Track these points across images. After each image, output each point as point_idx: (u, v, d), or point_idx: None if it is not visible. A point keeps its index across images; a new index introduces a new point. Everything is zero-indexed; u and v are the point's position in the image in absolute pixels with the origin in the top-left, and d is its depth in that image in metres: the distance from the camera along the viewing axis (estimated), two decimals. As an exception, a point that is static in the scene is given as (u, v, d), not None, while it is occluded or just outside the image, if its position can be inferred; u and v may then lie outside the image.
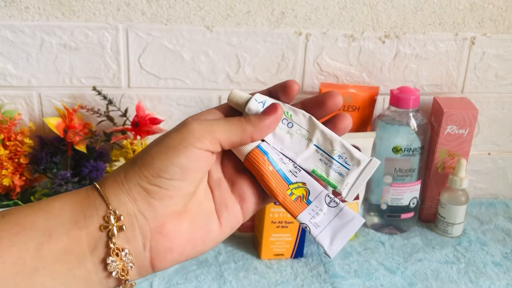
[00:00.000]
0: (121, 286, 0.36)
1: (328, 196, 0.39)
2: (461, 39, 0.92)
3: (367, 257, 0.85)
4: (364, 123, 0.91)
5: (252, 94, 0.40)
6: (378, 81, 0.93)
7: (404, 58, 0.92)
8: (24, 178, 0.82)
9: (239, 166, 0.40)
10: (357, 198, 0.88)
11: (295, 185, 0.39)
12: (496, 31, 0.92)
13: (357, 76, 0.92)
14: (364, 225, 0.93)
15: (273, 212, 0.81)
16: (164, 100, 0.90)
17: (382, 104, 0.94)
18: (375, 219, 0.92)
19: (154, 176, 0.35)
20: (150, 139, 0.90)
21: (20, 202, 0.82)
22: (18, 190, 0.81)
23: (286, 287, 0.77)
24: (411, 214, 0.91)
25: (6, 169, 0.79)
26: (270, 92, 0.41)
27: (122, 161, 0.84)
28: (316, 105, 0.40)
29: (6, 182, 0.79)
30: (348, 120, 0.40)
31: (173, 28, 0.86)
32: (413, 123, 0.86)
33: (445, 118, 0.88)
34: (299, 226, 0.82)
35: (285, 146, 0.40)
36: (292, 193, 0.39)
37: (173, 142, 0.36)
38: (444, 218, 0.90)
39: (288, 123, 0.40)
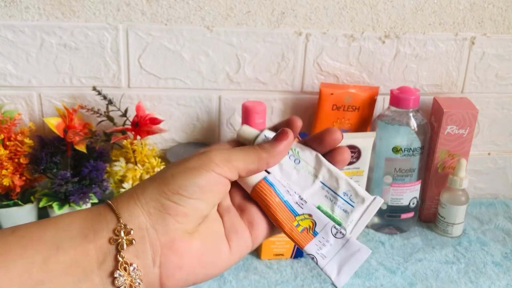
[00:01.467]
0: None
1: (334, 227, 0.40)
2: (461, 39, 0.92)
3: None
4: (364, 123, 0.91)
5: (261, 130, 0.42)
6: (378, 81, 0.93)
7: (404, 58, 0.92)
8: (24, 178, 0.82)
9: (247, 195, 0.41)
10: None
11: (302, 217, 0.40)
12: (496, 31, 0.92)
13: (357, 76, 0.92)
14: (364, 225, 0.93)
15: (273, 212, 0.81)
16: (164, 100, 0.90)
17: (382, 104, 0.94)
18: (375, 219, 0.92)
19: (173, 193, 0.36)
20: (150, 139, 0.90)
21: (20, 202, 0.82)
22: (18, 190, 0.81)
23: (286, 287, 0.77)
24: (411, 214, 0.91)
25: (6, 169, 0.79)
26: (276, 129, 0.42)
27: (122, 161, 0.84)
28: (316, 142, 0.42)
29: (6, 182, 0.79)
30: (346, 154, 0.41)
31: (173, 28, 0.86)
32: (413, 123, 0.86)
33: (445, 118, 0.88)
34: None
35: (292, 181, 0.41)
36: (298, 225, 0.40)
37: (194, 165, 0.37)
38: (444, 218, 0.90)
39: (295, 160, 0.42)
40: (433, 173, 0.92)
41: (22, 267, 0.32)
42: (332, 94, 0.88)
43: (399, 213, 0.91)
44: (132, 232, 0.35)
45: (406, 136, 0.86)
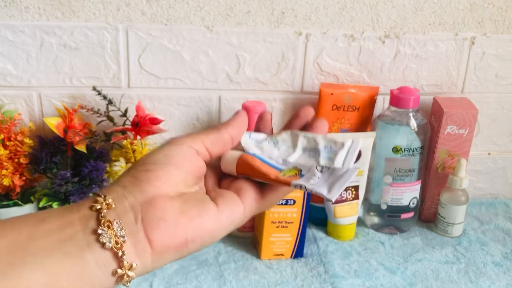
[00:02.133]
0: (120, 270, 0.35)
1: (320, 166, 0.40)
2: (461, 39, 0.92)
3: (367, 257, 0.85)
4: (364, 123, 0.91)
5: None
6: (378, 81, 0.93)
7: (404, 58, 0.92)
8: (24, 178, 0.82)
9: (235, 179, 0.42)
10: (357, 198, 0.88)
11: (287, 170, 0.41)
12: (496, 31, 0.92)
13: (357, 76, 0.92)
14: (364, 225, 0.93)
15: (273, 212, 0.81)
16: (164, 100, 0.90)
17: (382, 104, 0.94)
18: (375, 219, 0.92)
19: (142, 165, 0.39)
20: (150, 139, 0.90)
21: (20, 202, 0.82)
22: (18, 190, 0.81)
23: (286, 287, 0.77)
24: (411, 214, 0.91)
25: (6, 169, 0.79)
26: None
27: (122, 161, 0.84)
28: (292, 121, 0.45)
29: (6, 182, 0.79)
30: (324, 123, 0.44)
31: (173, 28, 0.86)
32: (413, 123, 0.86)
33: (445, 118, 0.88)
34: (299, 226, 0.82)
35: (274, 156, 0.43)
36: (284, 174, 0.40)
37: (158, 147, 0.41)
38: (444, 218, 0.90)
39: (273, 142, 0.44)
40: (433, 173, 0.92)
41: (10, 238, 0.33)
42: (332, 94, 0.88)
43: (399, 213, 0.91)
44: (110, 199, 0.37)
45: (406, 136, 0.86)
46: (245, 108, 0.84)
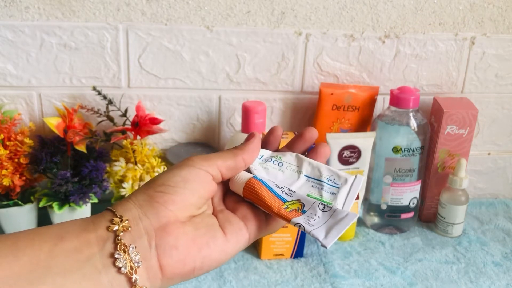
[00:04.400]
0: None
1: (322, 204, 0.41)
2: (461, 39, 0.92)
3: (367, 257, 0.85)
4: (364, 123, 0.91)
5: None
6: (378, 81, 0.93)
7: (404, 58, 0.92)
8: (24, 178, 0.82)
9: (240, 200, 0.44)
10: (357, 198, 0.88)
11: (291, 202, 0.42)
12: (496, 31, 0.92)
13: (357, 76, 0.92)
14: (364, 225, 0.93)
15: (273, 212, 0.81)
16: (164, 100, 0.90)
17: (382, 104, 0.94)
18: (375, 219, 0.92)
19: (159, 185, 0.40)
20: (150, 139, 0.90)
21: (20, 202, 0.82)
22: (18, 190, 0.81)
23: (286, 287, 0.77)
24: (411, 214, 0.91)
25: (6, 169, 0.79)
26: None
27: (122, 161, 0.84)
28: (297, 141, 0.47)
29: (6, 182, 0.79)
30: (327, 148, 0.46)
31: (173, 28, 0.86)
32: (413, 123, 0.86)
33: (445, 118, 0.88)
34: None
35: (279, 181, 0.44)
36: (287, 207, 0.41)
37: (176, 165, 0.42)
38: (444, 218, 0.90)
39: (278, 163, 0.45)
40: (433, 173, 0.92)
41: (30, 254, 0.34)
42: (332, 94, 0.88)
43: (399, 213, 0.91)
44: (127, 221, 0.38)
45: (406, 136, 0.86)
46: (245, 108, 0.84)
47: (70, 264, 0.35)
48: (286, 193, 0.43)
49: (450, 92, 0.95)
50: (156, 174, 0.83)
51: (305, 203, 0.41)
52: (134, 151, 0.83)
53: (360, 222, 0.93)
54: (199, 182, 0.40)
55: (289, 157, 0.46)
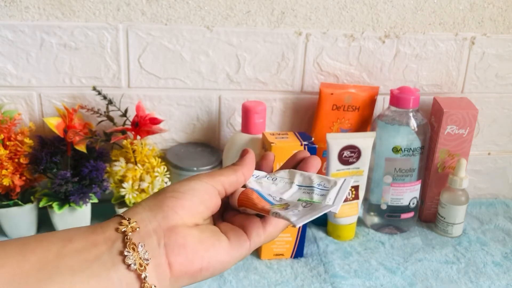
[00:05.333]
0: None
1: (305, 202, 0.43)
2: (461, 39, 0.92)
3: (367, 257, 0.85)
4: (364, 123, 0.91)
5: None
6: (378, 81, 0.93)
7: (404, 58, 0.92)
8: (24, 178, 0.82)
9: (237, 213, 0.46)
10: (357, 198, 0.88)
11: (277, 204, 0.43)
12: (496, 31, 0.92)
13: (357, 76, 0.92)
14: (364, 225, 0.93)
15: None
16: (164, 100, 0.90)
17: (382, 104, 0.94)
18: (375, 219, 0.92)
19: (169, 191, 0.42)
20: (150, 139, 0.90)
21: (20, 202, 0.82)
22: (18, 190, 0.81)
23: (286, 287, 0.77)
24: (411, 214, 0.91)
25: (6, 169, 0.79)
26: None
27: (122, 161, 0.84)
28: (289, 160, 0.49)
29: (6, 182, 0.79)
30: (317, 160, 0.48)
31: (173, 28, 0.86)
32: (413, 123, 0.86)
33: (445, 118, 0.88)
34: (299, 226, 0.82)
35: (272, 191, 0.46)
36: (273, 207, 0.43)
37: (185, 178, 0.44)
38: (444, 218, 0.90)
39: (272, 178, 0.48)
40: (433, 173, 0.92)
41: (39, 255, 0.35)
42: (332, 94, 0.88)
43: (399, 213, 0.91)
44: (135, 223, 0.39)
45: (406, 136, 0.86)
46: (245, 108, 0.84)
47: (79, 263, 0.36)
48: (277, 201, 0.44)
49: (450, 92, 0.95)
50: (156, 174, 0.83)
51: (290, 204, 0.43)
52: (134, 151, 0.83)
53: (360, 222, 0.93)
54: (207, 193, 0.43)
55: (282, 173, 0.48)
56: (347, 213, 0.87)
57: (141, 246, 0.38)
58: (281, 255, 0.84)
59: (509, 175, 1.03)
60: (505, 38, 0.93)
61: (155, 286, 0.37)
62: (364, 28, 0.89)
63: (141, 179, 0.84)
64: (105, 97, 0.84)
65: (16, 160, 0.81)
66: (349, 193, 0.87)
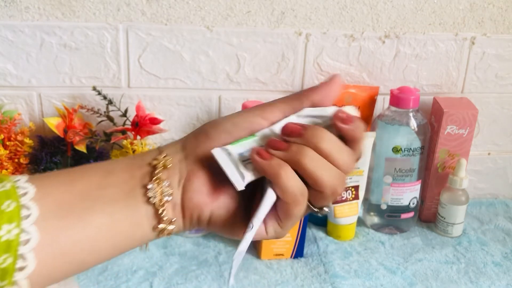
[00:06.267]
0: (161, 225, 0.39)
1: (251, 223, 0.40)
2: (461, 39, 0.92)
3: (367, 257, 0.85)
4: (364, 123, 0.91)
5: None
6: (378, 81, 0.93)
7: (404, 58, 0.92)
8: (24, 178, 0.81)
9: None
10: (357, 198, 0.88)
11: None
12: (496, 31, 0.92)
13: (357, 76, 0.92)
14: (364, 225, 0.93)
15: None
16: (164, 100, 0.90)
17: (382, 104, 0.94)
18: (375, 219, 0.92)
19: (212, 126, 0.41)
20: (150, 139, 0.90)
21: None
22: (18, 190, 0.81)
23: (286, 287, 0.77)
24: (411, 214, 0.91)
25: (6, 169, 0.79)
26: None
27: (122, 161, 0.84)
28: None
29: (6, 182, 0.79)
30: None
31: (173, 28, 0.86)
32: (413, 123, 0.86)
33: (445, 118, 0.88)
34: (299, 226, 0.82)
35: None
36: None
37: (237, 112, 0.42)
38: (444, 218, 0.90)
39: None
40: (433, 173, 0.92)
41: (82, 185, 0.38)
42: (332, 94, 0.88)
43: (399, 213, 0.91)
44: (170, 159, 0.40)
45: (406, 136, 0.86)
46: (245, 108, 0.83)
47: (117, 194, 0.38)
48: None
49: (450, 92, 0.95)
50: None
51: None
52: (134, 151, 0.83)
53: (360, 222, 0.93)
54: (247, 128, 0.40)
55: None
56: (347, 213, 0.87)
57: (166, 184, 0.39)
58: (281, 255, 0.84)
59: (509, 175, 1.03)
60: (505, 38, 0.93)
61: (174, 219, 0.39)
62: (364, 28, 0.89)
63: (141, 179, 0.84)
64: (105, 97, 0.84)
65: (16, 160, 0.81)
66: (349, 193, 0.87)
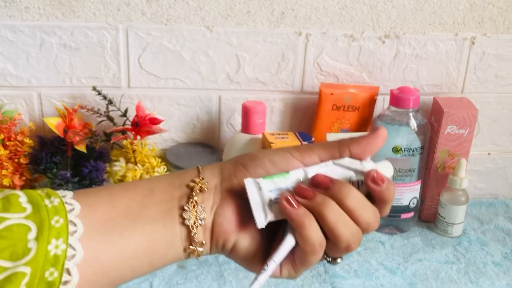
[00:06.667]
0: (191, 246, 0.40)
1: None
2: (461, 39, 0.92)
3: (367, 257, 0.85)
4: (364, 123, 0.91)
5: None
6: (378, 81, 0.93)
7: (404, 58, 0.92)
8: (24, 178, 0.82)
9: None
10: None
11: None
12: (496, 31, 0.92)
13: (357, 76, 0.92)
14: (364, 225, 0.93)
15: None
16: (164, 100, 0.90)
17: (382, 104, 0.94)
18: (375, 219, 0.92)
19: (248, 156, 0.42)
20: (150, 139, 0.90)
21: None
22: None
23: (286, 287, 0.77)
24: (411, 214, 0.91)
25: (6, 169, 0.79)
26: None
27: (122, 161, 0.84)
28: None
29: (6, 182, 0.79)
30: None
31: (173, 28, 0.86)
32: (413, 123, 0.86)
33: (445, 118, 0.88)
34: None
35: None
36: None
37: (277, 149, 0.44)
38: (444, 218, 0.90)
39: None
40: (433, 173, 0.92)
41: (125, 204, 0.39)
42: (332, 94, 0.88)
43: (399, 213, 0.91)
44: (206, 183, 0.41)
45: (406, 136, 0.86)
46: (245, 108, 0.84)
47: (157, 214, 0.40)
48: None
49: (450, 92, 0.95)
50: (156, 174, 0.83)
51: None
52: (134, 151, 0.83)
53: (360, 222, 0.93)
54: (284, 168, 0.41)
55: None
56: (347, 213, 0.87)
57: (201, 208, 0.40)
58: (281, 255, 0.83)
59: (509, 175, 1.03)
60: (505, 38, 0.93)
61: (204, 242, 0.40)
62: (364, 28, 0.89)
63: (141, 179, 0.84)
64: (105, 97, 0.84)
65: (16, 160, 0.81)
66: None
